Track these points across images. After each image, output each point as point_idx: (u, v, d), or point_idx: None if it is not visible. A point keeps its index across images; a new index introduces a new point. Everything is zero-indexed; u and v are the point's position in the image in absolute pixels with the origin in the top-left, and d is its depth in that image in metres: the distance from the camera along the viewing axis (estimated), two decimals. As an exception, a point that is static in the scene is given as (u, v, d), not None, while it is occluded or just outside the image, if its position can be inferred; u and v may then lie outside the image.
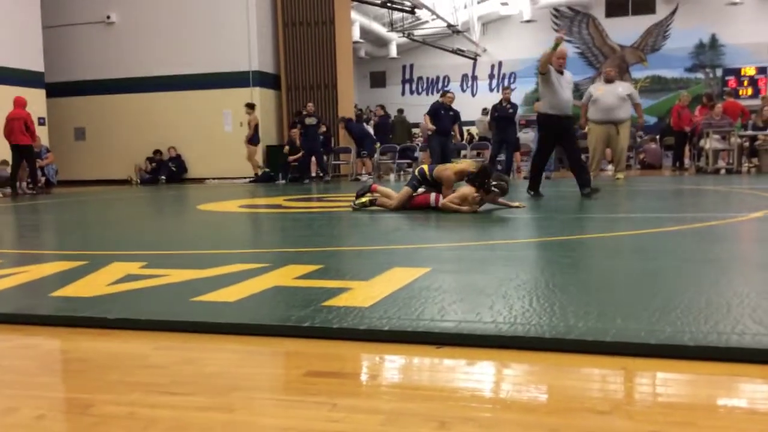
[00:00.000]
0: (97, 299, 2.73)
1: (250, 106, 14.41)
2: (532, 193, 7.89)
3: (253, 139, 14.47)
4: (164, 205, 9.44)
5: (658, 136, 17.32)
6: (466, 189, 6.05)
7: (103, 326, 2.40)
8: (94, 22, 16.07)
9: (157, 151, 15.74)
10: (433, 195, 6.29)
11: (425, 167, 6.64)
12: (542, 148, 8.12)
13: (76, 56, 16.27)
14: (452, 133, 12.00)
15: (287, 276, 3.10)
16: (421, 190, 6.46)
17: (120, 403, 1.69)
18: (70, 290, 2.91)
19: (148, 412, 1.63)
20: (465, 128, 16.90)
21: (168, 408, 1.65)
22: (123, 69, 15.91)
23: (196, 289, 2.81)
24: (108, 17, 16.00)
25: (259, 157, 14.89)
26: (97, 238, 5.33)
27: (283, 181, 14.30)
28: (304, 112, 14.41)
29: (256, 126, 14.45)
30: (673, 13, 24.52)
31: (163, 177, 15.51)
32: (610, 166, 12.19)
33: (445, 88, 27.30)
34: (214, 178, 15.33)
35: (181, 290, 2.85)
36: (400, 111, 18.78)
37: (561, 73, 7.63)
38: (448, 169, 6.41)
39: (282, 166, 14.65)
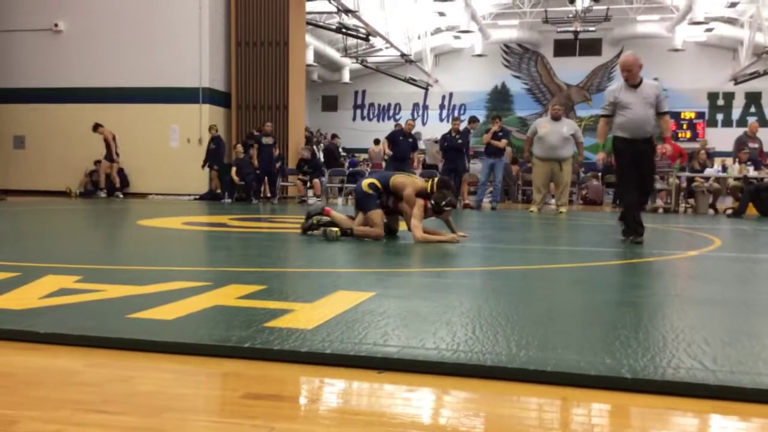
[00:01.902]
0: (27, 312, 2.62)
1: (97, 126, 14.45)
2: (630, 238, 6.05)
3: (108, 156, 14.55)
4: (104, 219, 9.19)
5: (600, 174, 17.78)
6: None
7: (32, 340, 2.30)
8: (41, 29, 15.66)
9: (97, 162, 15.34)
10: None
11: (373, 180, 6.07)
12: (620, 179, 6.50)
13: (20, 63, 15.80)
14: (409, 158, 12.46)
15: (229, 295, 3.04)
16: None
17: (46, 421, 1.62)
18: (0, 302, 2.79)
19: (75, 431, 1.56)
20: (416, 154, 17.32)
21: (97, 427, 1.59)
22: (69, 78, 15.50)
23: (133, 305, 2.73)
24: (56, 25, 15.62)
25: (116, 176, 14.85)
26: (31, 249, 5.13)
27: (229, 200, 14.14)
28: (255, 132, 14.37)
29: (113, 140, 14.50)
30: (618, 55, 25.38)
31: (104, 190, 15.12)
32: (554, 201, 12.48)
33: (396, 116, 27.69)
34: (157, 194, 15.02)
35: (117, 306, 2.76)
36: (333, 136, 19.83)
37: (635, 87, 6.08)
38: (408, 187, 5.91)
39: (228, 185, 14.47)
